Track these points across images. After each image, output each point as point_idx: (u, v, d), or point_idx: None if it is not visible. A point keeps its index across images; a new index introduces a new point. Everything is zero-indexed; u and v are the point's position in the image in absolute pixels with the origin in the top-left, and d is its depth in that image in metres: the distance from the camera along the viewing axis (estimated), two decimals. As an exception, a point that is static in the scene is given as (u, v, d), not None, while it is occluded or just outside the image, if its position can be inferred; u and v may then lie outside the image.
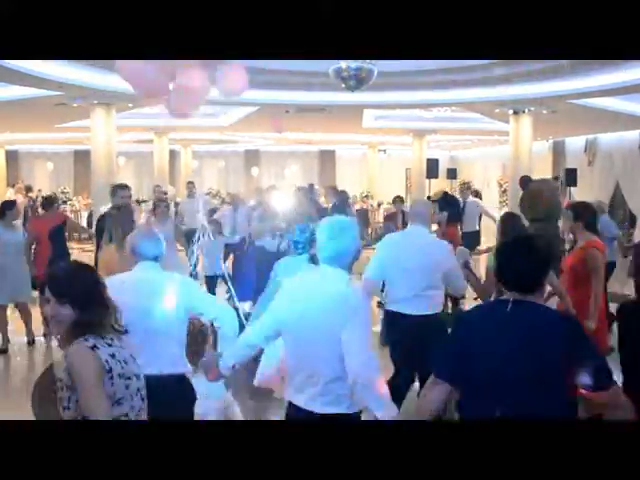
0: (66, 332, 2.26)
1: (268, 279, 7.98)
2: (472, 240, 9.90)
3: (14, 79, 9.65)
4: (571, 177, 13.98)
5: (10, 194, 17.81)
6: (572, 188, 14.10)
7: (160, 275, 3.27)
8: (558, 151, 19.79)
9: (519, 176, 12.84)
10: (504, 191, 19.21)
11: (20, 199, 17.95)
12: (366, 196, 22.74)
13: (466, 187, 11.73)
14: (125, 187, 6.50)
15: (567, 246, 5.58)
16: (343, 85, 7.90)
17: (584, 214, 4.56)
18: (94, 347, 2.19)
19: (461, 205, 10.55)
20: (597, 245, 4.48)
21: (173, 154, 21.92)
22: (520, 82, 10.66)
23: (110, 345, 2.25)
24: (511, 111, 12.66)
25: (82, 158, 21.97)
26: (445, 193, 10.17)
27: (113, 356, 2.22)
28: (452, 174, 19.65)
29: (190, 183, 13.33)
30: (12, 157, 23.89)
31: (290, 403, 2.76)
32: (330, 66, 7.72)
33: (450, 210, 9.24)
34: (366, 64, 7.58)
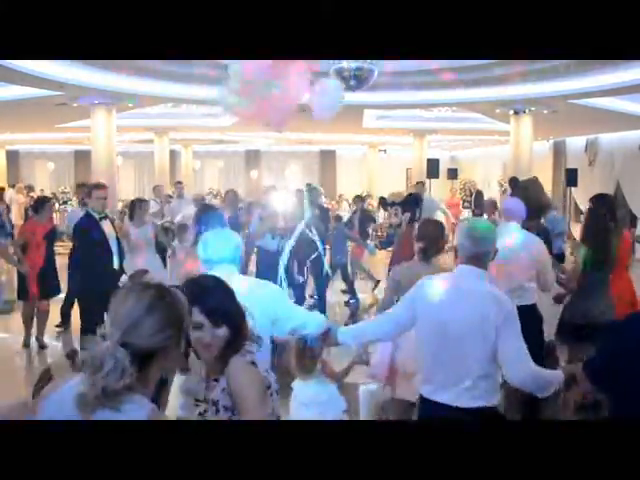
0: (220, 353, 2.03)
1: (268, 279, 7.97)
2: None
3: (14, 79, 9.66)
4: (571, 177, 13.99)
5: (11, 194, 17.83)
6: (572, 188, 14.11)
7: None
8: (558, 151, 19.79)
9: (520, 176, 12.90)
10: (504, 191, 19.20)
11: (21, 199, 18.01)
12: (366, 196, 22.76)
13: (421, 185, 11.55)
14: (102, 187, 6.42)
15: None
16: (344, 85, 7.89)
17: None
18: (253, 362, 2.00)
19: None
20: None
21: (173, 154, 21.93)
22: (520, 82, 10.67)
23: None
24: (511, 111, 12.66)
25: (82, 158, 22.02)
26: (410, 194, 10.14)
27: (267, 370, 2.07)
28: (452, 174, 19.67)
29: (179, 183, 12.70)
30: (13, 157, 23.90)
31: (426, 400, 2.79)
32: (330, 66, 7.73)
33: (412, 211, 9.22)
34: (366, 64, 7.59)
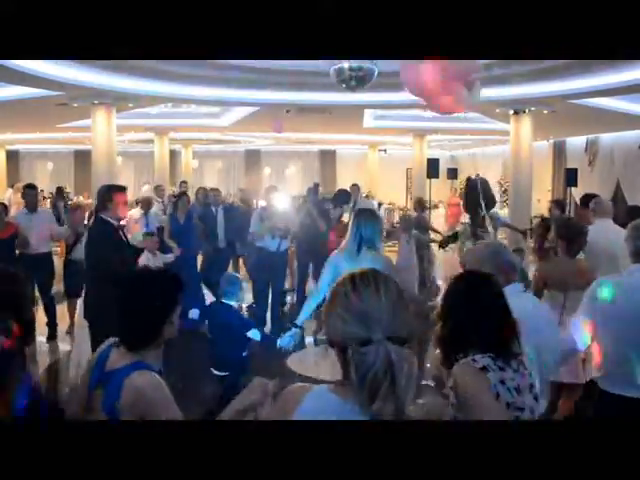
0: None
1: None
2: None
3: (14, 79, 9.66)
4: (571, 177, 13.98)
5: (9, 194, 17.81)
6: (572, 188, 14.11)
7: None
8: (558, 151, 19.79)
9: (520, 176, 12.92)
10: (504, 191, 19.21)
11: (19, 199, 17.95)
12: (366, 196, 22.76)
13: (356, 187, 11.50)
14: (32, 187, 6.57)
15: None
16: (344, 85, 7.90)
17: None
18: (484, 368, 1.98)
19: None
20: None
21: (173, 154, 21.92)
22: (520, 82, 10.66)
23: (502, 369, 2.02)
24: (511, 111, 12.66)
25: (82, 158, 22.00)
26: (338, 191, 10.19)
27: (503, 383, 2.00)
28: (452, 174, 19.66)
29: (159, 186, 12.68)
30: (12, 157, 23.90)
31: (619, 397, 2.90)
32: (330, 66, 7.73)
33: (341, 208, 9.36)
34: (366, 64, 7.59)
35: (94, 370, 2.24)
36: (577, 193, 14.99)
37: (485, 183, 7.71)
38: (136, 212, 9.58)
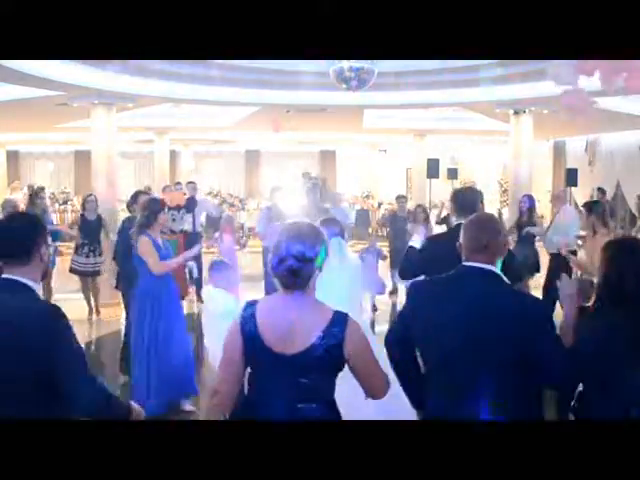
0: None
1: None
2: None
3: (14, 79, 9.65)
4: (571, 177, 13.97)
5: (22, 194, 17.79)
6: (573, 188, 14.09)
7: None
8: (558, 151, 19.79)
9: (520, 176, 12.91)
10: (505, 191, 19.21)
11: (19, 197, 17.94)
12: (367, 196, 22.75)
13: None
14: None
15: None
16: (344, 85, 7.90)
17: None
18: None
19: None
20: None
21: (173, 154, 21.90)
22: (520, 82, 10.66)
23: None
24: (511, 111, 12.65)
25: (82, 158, 21.96)
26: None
27: None
28: (452, 174, 19.64)
29: (190, 183, 12.44)
30: (12, 157, 23.88)
31: None
32: (330, 66, 7.73)
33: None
34: (367, 64, 7.59)
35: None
36: (577, 193, 15.01)
37: None
38: None
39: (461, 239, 2.53)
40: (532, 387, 2.37)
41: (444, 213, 10.39)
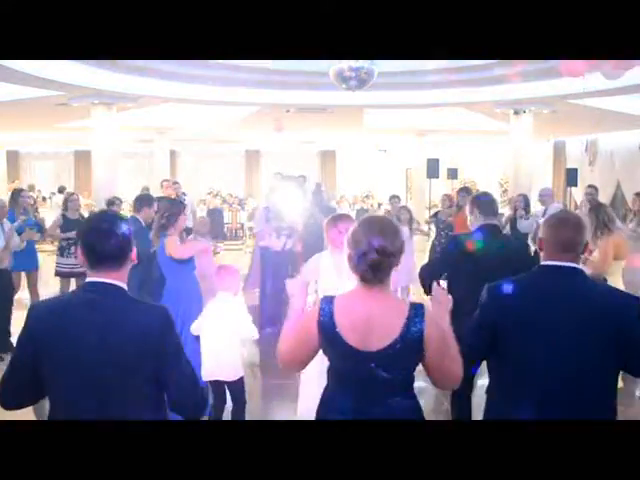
0: None
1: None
2: None
3: (14, 79, 9.66)
4: (571, 177, 13.98)
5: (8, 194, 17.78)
6: (573, 188, 14.10)
7: None
8: (558, 151, 19.80)
9: (520, 176, 12.92)
10: (505, 191, 19.22)
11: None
12: (367, 196, 22.76)
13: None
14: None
15: None
16: (344, 85, 7.91)
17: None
18: None
19: None
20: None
21: (173, 154, 21.91)
22: (520, 82, 10.66)
23: None
24: (511, 111, 12.66)
25: (83, 158, 21.99)
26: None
27: None
28: (452, 174, 19.65)
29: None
30: (12, 157, 23.89)
31: None
32: (330, 66, 7.74)
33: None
34: (367, 64, 7.60)
35: None
36: (577, 193, 15.01)
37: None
38: None
39: (547, 237, 2.50)
40: (615, 383, 2.45)
41: (433, 211, 10.94)
